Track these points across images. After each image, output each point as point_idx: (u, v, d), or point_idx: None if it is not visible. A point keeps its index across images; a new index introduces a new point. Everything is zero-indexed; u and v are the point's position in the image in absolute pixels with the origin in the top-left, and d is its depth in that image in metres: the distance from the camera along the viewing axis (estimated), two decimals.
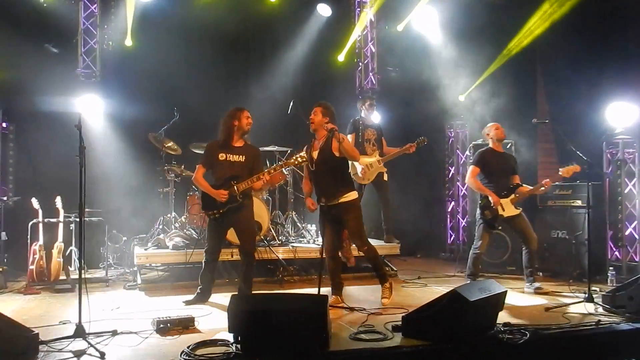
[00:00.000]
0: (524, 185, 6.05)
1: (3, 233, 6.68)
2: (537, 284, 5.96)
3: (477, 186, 6.08)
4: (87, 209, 6.78)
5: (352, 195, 5.14)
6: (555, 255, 6.95)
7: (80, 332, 3.87)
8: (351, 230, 5.20)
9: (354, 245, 5.72)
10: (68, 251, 6.39)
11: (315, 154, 5.14)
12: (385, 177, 7.13)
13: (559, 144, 8.16)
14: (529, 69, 9.20)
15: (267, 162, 7.56)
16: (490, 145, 6.20)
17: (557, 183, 7.05)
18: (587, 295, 5.24)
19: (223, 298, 5.33)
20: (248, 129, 5.33)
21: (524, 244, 6.01)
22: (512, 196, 5.94)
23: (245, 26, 8.36)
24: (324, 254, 5.11)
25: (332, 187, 5.08)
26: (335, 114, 5.21)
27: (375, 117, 7.66)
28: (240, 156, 5.28)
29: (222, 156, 5.26)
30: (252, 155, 5.36)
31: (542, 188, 5.93)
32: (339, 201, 5.06)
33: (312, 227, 7.53)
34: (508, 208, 5.92)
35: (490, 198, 5.90)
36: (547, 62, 9.13)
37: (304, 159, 5.12)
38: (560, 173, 5.79)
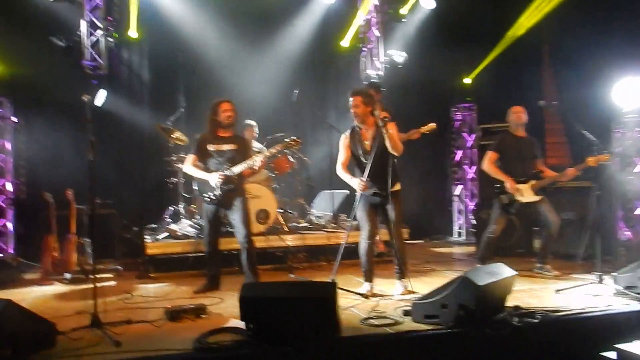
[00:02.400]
0: (547, 171, 5.98)
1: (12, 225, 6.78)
2: (547, 267, 5.97)
3: (493, 171, 5.98)
4: (98, 201, 6.91)
5: (399, 185, 5.15)
6: (565, 236, 6.92)
7: (95, 322, 3.94)
8: (397, 219, 5.12)
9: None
10: (81, 242, 6.46)
11: (367, 144, 5.04)
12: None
13: (567, 125, 8.12)
14: (535, 49, 9.11)
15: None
16: (510, 129, 6.13)
17: (565, 164, 7.05)
18: (597, 276, 5.24)
19: (234, 286, 5.38)
20: (228, 123, 5.38)
21: (545, 228, 5.96)
22: (533, 182, 5.87)
23: (248, 13, 8.31)
24: (362, 239, 5.11)
25: (385, 176, 4.94)
26: (373, 97, 5.14)
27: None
28: (231, 145, 5.38)
29: (211, 147, 5.37)
30: (242, 143, 5.50)
31: (565, 177, 5.84)
32: (392, 189, 5.01)
33: (320, 214, 7.57)
34: (527, 193, 5.85)
35: (505, 183, 5.88)
36: (553, 42, 9.03)
37: (297, 143, 5.30)
38: (587, 162, 5.62)
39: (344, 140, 5.17)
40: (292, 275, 5.86)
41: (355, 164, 5.15)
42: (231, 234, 5.55)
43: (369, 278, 5.14)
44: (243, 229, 5.32)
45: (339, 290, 3.81)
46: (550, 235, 5.94)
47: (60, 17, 7.52)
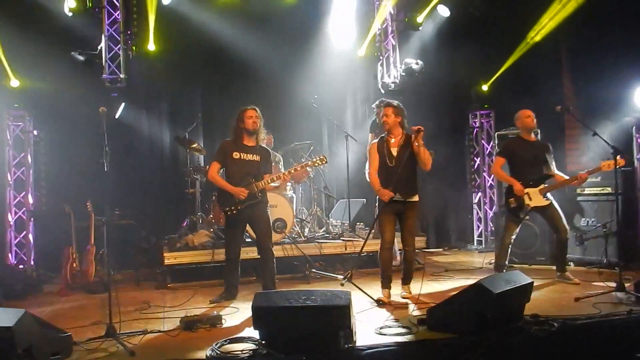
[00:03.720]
0: (558, 174, 5.93)
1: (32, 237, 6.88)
2: (567, 274, 5.87)
3: (500, 176, 6.04)
4: (117, 212, 7.00)
5: (418, 196, 5.28)
6: (585, 244, 6.80)
7: (111, 332, 3.97)
8: (410, 228, 5.27)
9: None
10: (100, 253, 6.54)
11: (394, 151, 5.19)
12: None
13: (585, 131, 7.99)
14: (553, 54, 9.01)
15: (291, 159, 7.61)
16: (520, 133, 6.08)
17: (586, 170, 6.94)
18: (617, 284, 5.12)
19: (249, 295, 5.37)
20: (254, 129, 5.38)
21: (555, 234, 5.92)
22: (542, 186, 5.81)
23: (264, 24, 8.39)
24: (382, 246, 5.23)
25: (409, 184, 5.17)
26: (404, 110, 5.29)
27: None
28: (255, 155, 5.39)
29: (236, 155, 5.36)
30: (266, 155, 5.49)
31: (576, 181, 5.79)
32: (412, 199, 5.19)
33: (337, 222, 7.55)
34: (535, 198, 5.80)
35: (514, 187, 5.83)
36: (571, 47, 8.92)
37: (324, 161, 5.36)
38: (601, 166, 5.58)
39: (372, 147, 5.34)
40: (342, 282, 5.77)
41: (381, 171, 5.27)
42: (249, 244, 5.58)
43: (386, 285, 5.21)
44: (265, 240, 5.38)
45: (352, 292, 3.81)
46: (561, 242, 5.86)
47: (80, 32, 7.66)
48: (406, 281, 5.36)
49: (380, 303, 5.00)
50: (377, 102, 7.07)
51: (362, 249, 5.63)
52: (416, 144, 5.01)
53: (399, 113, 5.24)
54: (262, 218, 5.40)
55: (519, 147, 5.97)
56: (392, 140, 5.24)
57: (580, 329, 4.07)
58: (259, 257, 5.78)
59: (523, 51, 8.58)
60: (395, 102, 5.37)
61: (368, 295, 5.14)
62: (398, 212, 5.25)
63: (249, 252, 5.88)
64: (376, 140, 5.38)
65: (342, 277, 5.40)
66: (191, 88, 8.03)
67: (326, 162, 5.43)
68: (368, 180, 5.36)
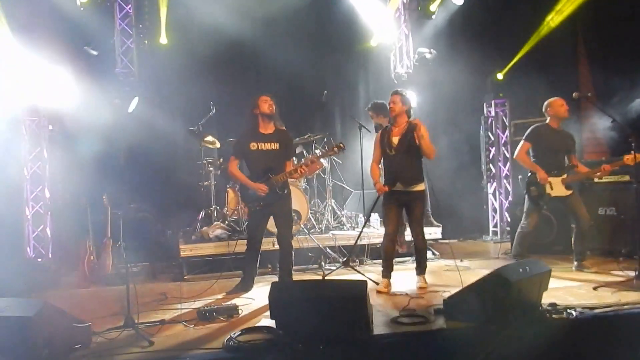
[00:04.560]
0: (580, 166, 5.87)
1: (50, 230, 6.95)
2: (584, 263, 5.82)
3: (525, 162, 5.95)
4: (132, 205, 7.04)
5: (423, 185, 5.29)
6: (603, 233, 6.70)
7: (129, 322, 4.00)
8: (416, 218, 5.27)
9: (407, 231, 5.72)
10: (116, 246, 6.59)
11: (395, 140, 5.20)
12: None
13: (603, 119, 7.89)
14: (569, 42, 8.90)
15: (304, 151, 7.60)
16: (548, 121, 6.00)
17: (603, 159, 6.85)
18: (637, 273, 5.06)
19: (264, 286, 5.39)
20: (271, 112, 5.32)
21: (575, 224, 5.86)
22: (564, 176, 5.77)
23: (277, 15, 8.35)
24: (385, 237, 5.29)
25: (410, 173, 5.18)
26: (409, 100, 5.33)
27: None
28: (274, 144, 5.32)
29: (253, 145, 5.30)
30: (285, 140, 5.42)
31: (599, 173, 5.73)
32: (415, 189, 5.19)
33: (352, 214, 7.54)
34: (557, 187, 5.75)
35: (537, 174, 5.77)
36: (588, 33, 8.80)
37: (341, 148, 5.26)
38: (624, 160, 5.48)
39: (375, 138, 5.42)
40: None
41: (384, 161, 5.34)
42: (265, 235, 5.60)
43: (386, 274, 5.26)
44: (285, 232, 5.39)
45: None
46: (582, 231, 5.81)
47: (92, 27, 7.68)
48: (420, 271, 5.34)
49: (377, 284, 5.16)
50: (369, 105, 7.16)
51: (357, 240, 5.76)
52: (416, 135, 5.04)
53: (405, 101, 5.25)
54: (285, 211, 5.39)
55: (546, 135, 5.90)
56: (395, 130, 5.26)
57: (598, 318, 4.05)
58: (274, 249, 5.82)
59: (538, 39, 8.46)
60: (403, 91, 5.38)
61: (370, 279, 5.20)
62: (403, 203, 5.27)
63: (264, 244, 5.88)
64: (380, 131, 5.43)
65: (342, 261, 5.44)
66: (204, 81, 8.01)
67: (344, 149, 5.32)
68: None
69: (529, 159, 5.93)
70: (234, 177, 5.50)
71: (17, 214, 6.94)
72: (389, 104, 5.31)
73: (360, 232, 5.80)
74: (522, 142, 6.02)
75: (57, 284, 6.32)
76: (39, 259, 7.08)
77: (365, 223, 5.73)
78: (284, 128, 5.56)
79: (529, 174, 5.93)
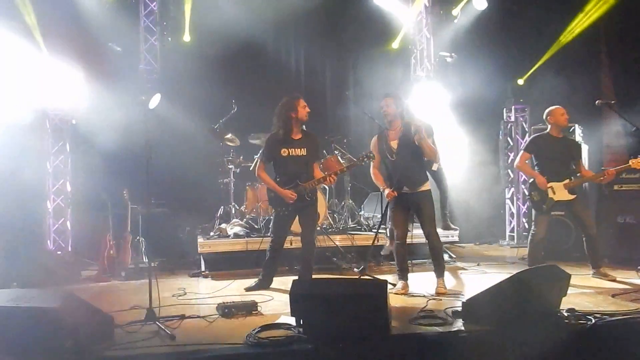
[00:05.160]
0: (584, 171, 5.86)
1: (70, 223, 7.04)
2: (602, 270, 5.79)
3: (524, 169, 6.05)
4: (152, 201, 7.12)
5: (428, 184, 5.28)
6: (623, 241, 6.67)
7: (151, 316, 4.05)
8: (428, 218, 5.22)
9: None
10: (136, 240, 6.67)
11: (394, 144, 5.19)
12: (434, 167, 7.00)
13: (625, 126, 7.84)
14: (592, 49, 8.84)
15: (325, 151, 7.63)
16: (549, 130, 5.99)
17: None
18: None
19: (282, 285, 5.46)
20: (306, 119, 5.30)
21: (582, 231, 5.86)
22: (566, 180, 5.76)
23: (300, 15, 8.40)
24: (395, 240, 5.32)
25: (415, 175, 5.18)
26: (404, 101, 5.32)
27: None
28: (302, 149, 5.29)
29: (284, 152, 5.27)
30: (313, 146, 5.39)
31: (602, 177, 5.68)
32: (421, 189, 5.19)
33: (370, 215, 7.56)
34: (560, 192, 5.75)
35: (536, 180, 5.78)
36: (612, 42, 8.74)
37: (370, 158, 5.18)
38: (630, 164, 5.48)
39: (372, 144, 5.35)
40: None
41: (383, 165, 5.32)
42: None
43: (402, 276, 5.28)
44: (309, 233, 5.39)
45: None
46: (590, 237, 5.78)
47: (117, 23, 7.77)
48: (439, 274, 5.26)
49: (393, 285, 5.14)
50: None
51: (373, 241, 5.73)
52: (417, 139, 5.02)
53: (399, 104, 5.22)
54: (310, 214, 5.40)
55: (546, 144, 5.90)
56: (391, 133, 5.23)
57: (617, 325, 4.03)
58: (292, 247, 5.85)
59: (560, 46, 8.43)
60: (395, 93, 5.35)
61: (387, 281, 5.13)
62: (411, 205, 5.27)
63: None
64: (376, 136, 5.39)
65: (358, 269, 5.43)
66: (225, 78, 8.09)
67: (373, 158, 5.20)
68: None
69: (528, 167, 5.97)
70: (263, 181, 5.51)
71: (39, 207, 7.04)
72: (382, 108, 5.23)
73: (377, 233, 5.77)
74: (521, 151, 6.08)
75: (77, 277, 6.38)
76: (59, 252, 7.19)
77: (379, 225, 5.68)
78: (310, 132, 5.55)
79: (530, 181, 5.95)
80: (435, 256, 5.29)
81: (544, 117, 6.05)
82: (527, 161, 5.98)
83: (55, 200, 7.39)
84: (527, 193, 5.99)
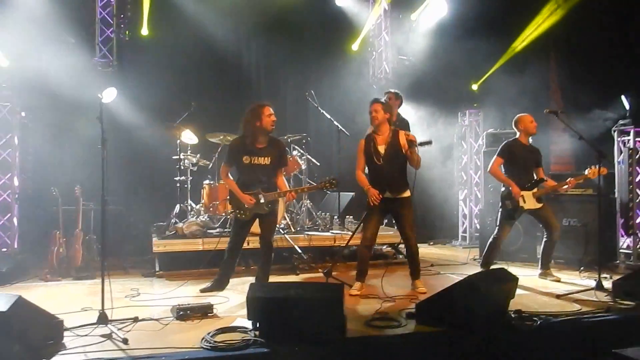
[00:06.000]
0: (548, 180, 6.07)
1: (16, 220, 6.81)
2: (549, 271, 6.04)
3: (499, 176, 6.10)
4: (106, 198, 6.95)
5: (409, 192, 5.33)
6: (566, 243, 6.93)
7: (103, 319, 3.97)
8: (407, 224, 5.30)
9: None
10: (87, 238, 6.51)
11: (381, 149, 5.25)
12: None
13: (572, 134, 8.16)
14: (542, 57, 9.15)
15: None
16: (518, 136, 6.17)
17: (569, 172, 7.10)
18: (597, 282, 5.29)
19: (238, 285, 5.45)
20: (272, 129, 5.24)
21: (547, 234, 6.06)
22: (535, 190, 5.96)
23: (261, 15, 8.37)
24: (362, 242, 5.36)
25: (398, 181, 5.25)
26: (392, 107, 5.38)
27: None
28: (266, 158, 5.27)
29: (246, 159, 5.25)
30: (278, 153, 5.36)
31: (566, 186, 5.92)
32: (402, 196, 5.26)
33: (327, 215, 7.62)
34: (529, 201, 5.94)
35: (511, 189, 5.94)
36: (560, 51, 9.08)
37: (334, 185, 5.30)
38: (586, 174, 5.73)
39: (359, 146, 5.40)
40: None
41: (369, 170, 5.37)
42: None
43: (359, 278, 5.36)
44: (268, 236, 5.38)
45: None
46: (551, 241, 6.04)
47: (71, 14, 7.54)
48: (416, 275, 5.42)
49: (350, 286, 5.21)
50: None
51: (347, 242, 5.80)
52: (410, 150, 5.11)
53: (387, 109, 5.31)
54: (270, 218, 5.37)
55: (518, 150, 6.09)
56: (379, 138, 5.30)
57: (561, 325, 4.22)
58: (247, 247, 5.82)
59: (514, 52, 8.70)
60: (383, 99, 5.43)
61: (344, 282, 5.14)
62: (388, 210, 5.36)
63: None
64: (363, 139, 5.42)
65: (324, 271, 5.47)
66: (184, 76, 7.99)
67: (336, 187, 5.36)
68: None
69: (502, 174, 6.09)
70: (226, 183, 5.48)
71: None
72: (371, 113, 5.29)
73: (353, 233, 5.77)
74: (495, 157, 6.17)
75: (24, 275, 6.16)
76: (4, 249, 6.93)
77: (355, 230, 5.69)
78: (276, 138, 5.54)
79: (503, 188, 6.09)
80: (413, 259, 5.41)
81: (513, 124, 6.20)
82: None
83: (1, 195, 7.12)
84: (501, 201, 6.08)
